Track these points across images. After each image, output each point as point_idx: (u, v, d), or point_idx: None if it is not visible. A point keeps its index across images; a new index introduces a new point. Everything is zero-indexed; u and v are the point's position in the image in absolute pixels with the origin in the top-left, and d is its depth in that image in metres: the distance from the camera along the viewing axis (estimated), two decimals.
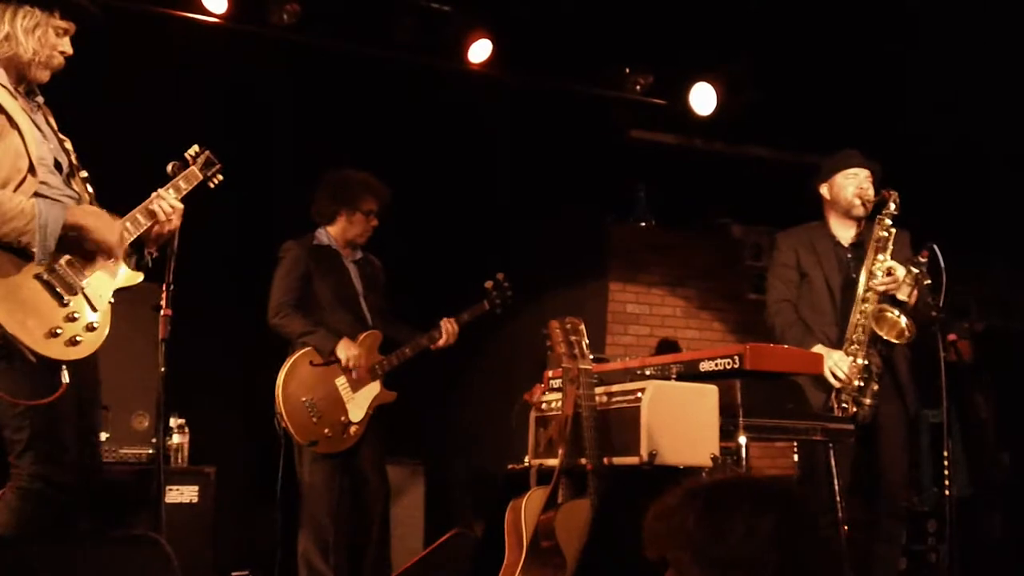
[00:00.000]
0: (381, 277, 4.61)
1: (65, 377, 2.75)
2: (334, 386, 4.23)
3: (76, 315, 2.80)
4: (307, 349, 4.23)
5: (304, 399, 4.16)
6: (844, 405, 3.76)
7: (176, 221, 3.07)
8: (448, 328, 4.44)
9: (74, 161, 3.01)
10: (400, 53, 5.35)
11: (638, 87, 5.92)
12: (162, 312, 3.16)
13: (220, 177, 3.27)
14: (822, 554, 1.40)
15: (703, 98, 6.00)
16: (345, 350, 4.21)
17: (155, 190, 3.10)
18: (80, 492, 2.97)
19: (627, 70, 5.88)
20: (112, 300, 2.95)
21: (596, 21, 5.44)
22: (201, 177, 3.19)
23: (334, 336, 4.24)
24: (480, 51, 5.47)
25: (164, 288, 3.18)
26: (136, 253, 3.11)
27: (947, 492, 3.86)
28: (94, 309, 2.87)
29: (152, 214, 3.02)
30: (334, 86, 5.51)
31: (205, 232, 3.58)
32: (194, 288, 3.44)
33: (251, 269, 5.20)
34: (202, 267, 4.04)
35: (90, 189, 3.03)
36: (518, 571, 3.06)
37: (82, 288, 2.84)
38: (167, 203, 3.03)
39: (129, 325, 4.30)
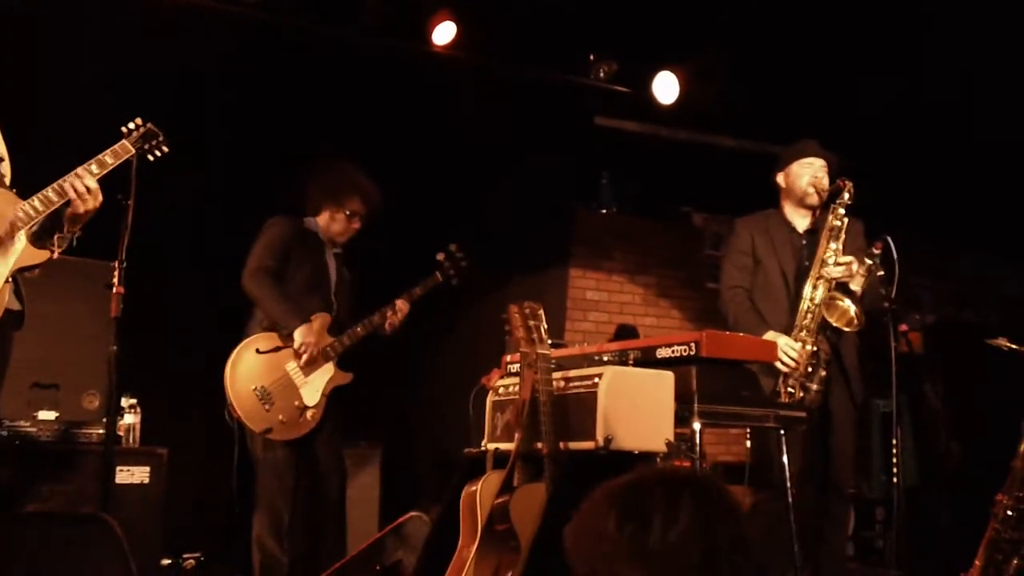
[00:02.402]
0: (354, 282, 4.58)
1: None
2: (284, 371, 4.16)
3: None
4: (252, 338, 4.17)
5: (254, 387, 4.09)
6: (791, 390, 3.82)
7: (92, 203, 3.01)
8: (399, 306, 4.42)
9: None
10: (365, 33, 5.30)
11: (602, 74, 5.92)
12: (114, 290, 3.12)
13: (165, 149, 3.21)
14: (741, 539, 1.39)
15: (666, 87, 6.02)
16: (302, 335, 4.15)
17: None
18: None
19: (592, 57, 5.88)
20: (11, 279, 2.92)
21: (562, 7, 5.43)
22: (133, 150, 3.14)
23: (298, 316, 4.17)
24: (445, 33, 5.43)
25: (117, 266, 3.14)
26: (53, 230, 3.06)
27: (895, 480, 3.93)
28: None
29: (63, 193, 2.98)
30: (297, 65, 5.44)
31: (159, 208, 3.54)
32: (147, 266, 3.40)
33: (207, 247, 5.15)
34: (156, 244, 3.99)
35: (2, 170, 2.99)
36: (472, 554, 3.06)
37: None
38: (80, 183, 2.98)
39: (80, 303, 4.26)
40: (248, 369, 4.11)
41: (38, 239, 3.03)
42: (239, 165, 5.39)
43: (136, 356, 3.26)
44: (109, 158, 3.09)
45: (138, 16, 4.82)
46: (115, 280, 3.13)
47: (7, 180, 3.02)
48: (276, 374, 4.14)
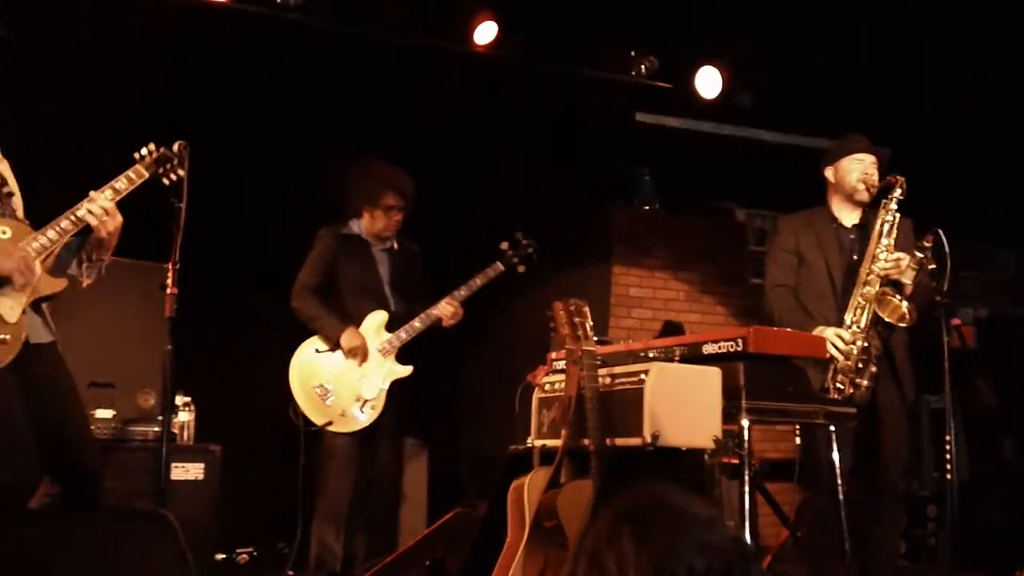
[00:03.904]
0: (417, 263, 4.68)
1: None
2: (343, 367, 4.31)
3: None
4: (312, 339, 4.34)
5: (314, 384, 4.25)
6: (840, 386, 3.76)
7: (112, 224, 3.03)
8: (448, 304, 4.47)
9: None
10: (405, 34, 5.33)
11: (643, 70, 5.90)
12: (168, 291, 3.17)
13: (181, 172, 3.21)
14: (699, 547, 1.38)
15: (709, 82, 5.99)
16: (348, 340, 4.29)
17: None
18: (85, 493, 3.05)
19: (632, 53, 5.86)
20: (27, 311, 2.95)
21: (602, 3, 5.42)
22: (147, 175, 3.16)
23: (340, 324, 4.31)
24: (486, 33, 5.46)
25: (170, 267, 3.19)
26: (73, 259, 3.08)
27: (948, 477, 3.87)
28: (3, 323, 2.88)
29: (80, 220, 3.00)
30: (340, 67, 5.49)
31: (211, 210, 3.59)
32: (201, 267, 3.45)
33: (257, 247, 5.23)
34: (208, 245, 4.06)
35: (14, 204, 3.02)
36: (520, 550, 3.08)
37: None
38: (96, 206, 3.00)
39: (135, 304, 4.36)
40: (309, 368, 4.29)
41: (58, 268, 3.05)
42: (283, 165, 5.45)
43: (190, 355, 3.32)
44: (123, 184, 3.10)
45: (173, 19, 4.86)
46: (169, 281, 3.18)
47: (19, 213, 3.05)
48: (335, 371, 4.29)
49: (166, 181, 3.21)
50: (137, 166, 3.15)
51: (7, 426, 2.91)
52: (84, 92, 4.69)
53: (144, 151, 3.19)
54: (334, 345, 4.31)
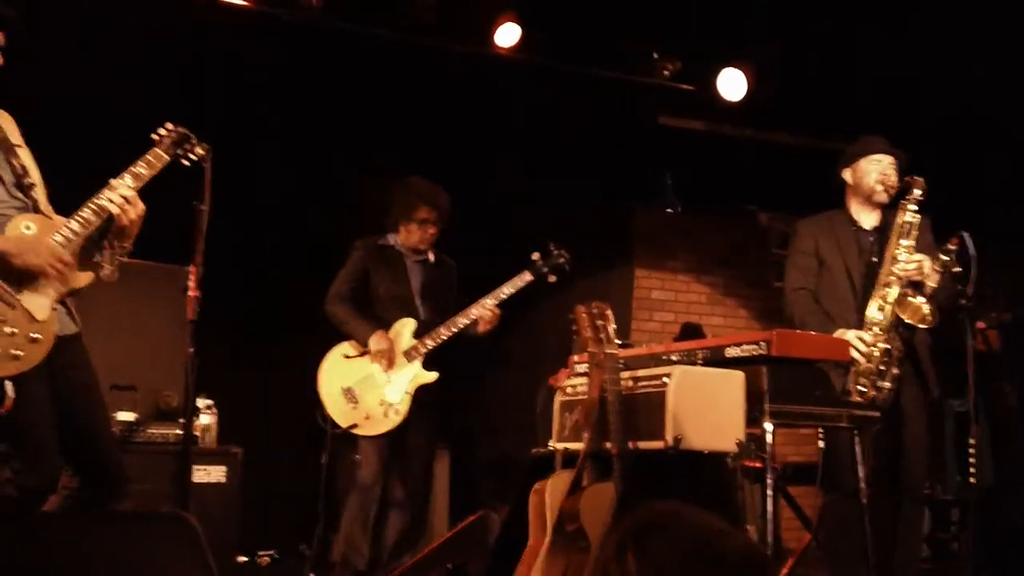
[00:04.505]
0: (452, 277, 4.75)
1: (10, 391, 2.76)
2: (369, 372, 4.40)
3: (13, 331, 2.80)
4: (341, 344, 4.43)
5: (342, 387, 4.36)
6: (862, 388, 3.73)
7: (133, 212, 2.98)
8: (480, 312, 4.47)
9: (21, 170, 2.98)
10: (426, 36, 5.35)
11: (666, 73, 5.89)
12: (190, 293, 3.18)
13: (200, 152, 3.15)
14: (708, 557, 1.38)
15: (732, 84, 5.96)
16: (375, 342, 4.39)
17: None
18: (105, 486, 3.05)
19: (655, 56, 5.85)
20: (56, 307, 2.93)
21: (624, 6, 5.41)
22: (168, 157, 3.10)
23: (370, 327, 4.42)
24: (508, 35, 5.46)
25: (192, 269, 3.19)
26: (96, 249, 3.05)
27: (972, 481, 3.83)
28: (34, 320, 2.86)
29: (102, 209, 2.96)
30: (363, 70, 5.51)
31: (233, 213, 3.60)
32: (223, 269, 3.46)
33: (280, 250, 5.24)
34: (231, 248, 4.08)
35: (36, 195, 2.99)
36: (542, 554, 3.07)
37: (19, 302, 2.84)
38: (117, 195, 2.96)
39: (157, 306, 4.39)
40: (336, 372, 4.40)
41: (82, 260, 3.02)
42: (308, 167, 5.47)
43: (212, 357, 3.33)
44: (143, 169, 3.05)
45: (192, 21, 4.89)
46: (191, 284, 3.17)
47: (42, 204, 3.01)
48: (361, 375, 4.40)
49: (185, 162, 3.16)
50: (156, 149, 3.10)
51: (37, 427, 2.91)
52: (104, 91, 4.73)
53: (162, 131, 3.13)
54: (363, 347, 4.40)
